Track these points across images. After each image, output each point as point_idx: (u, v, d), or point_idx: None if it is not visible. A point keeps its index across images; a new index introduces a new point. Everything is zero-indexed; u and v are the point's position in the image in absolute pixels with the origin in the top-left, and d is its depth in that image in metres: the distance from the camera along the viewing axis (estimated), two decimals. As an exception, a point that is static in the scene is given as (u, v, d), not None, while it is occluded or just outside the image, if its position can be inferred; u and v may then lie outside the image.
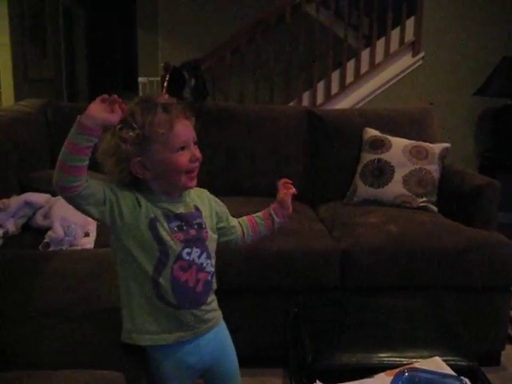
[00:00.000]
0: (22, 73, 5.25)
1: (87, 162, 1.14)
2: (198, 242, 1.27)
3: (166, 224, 1.24)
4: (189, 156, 1.23)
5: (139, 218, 1.22)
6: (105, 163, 1.25)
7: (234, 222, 1.43)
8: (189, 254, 1.25)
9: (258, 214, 1.46)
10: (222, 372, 1.39)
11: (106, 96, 1.13)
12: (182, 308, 1.26)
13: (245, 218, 1.45)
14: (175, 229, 1.24)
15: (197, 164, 1.26)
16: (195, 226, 1.28)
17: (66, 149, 1.12)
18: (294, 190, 1.44)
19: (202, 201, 1.35)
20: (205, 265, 1.28)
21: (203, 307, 1.30)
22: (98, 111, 1.12)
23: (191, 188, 1.29)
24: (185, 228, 1.26)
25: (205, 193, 1.38)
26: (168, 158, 1.21)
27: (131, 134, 1.18)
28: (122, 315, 1.31)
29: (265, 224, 1.44)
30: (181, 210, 1.27)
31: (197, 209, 1.31)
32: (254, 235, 1.44)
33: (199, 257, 1.27)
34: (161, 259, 1.23)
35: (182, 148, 1.22)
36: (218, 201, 1.41)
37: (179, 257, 1.24)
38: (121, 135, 1.19)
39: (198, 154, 1.25)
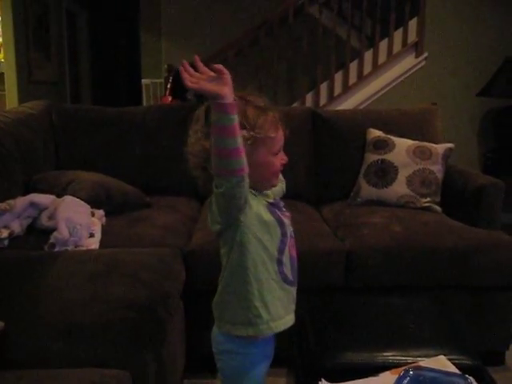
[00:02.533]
0: (26, 75, 5.27)
1: (240, 145, 1.12)
2: (290, 221, 1.35)
3: (273, 208, 1.30)
4: (280, 159, 1.30)
5: (259, 204, 1.27)
6: (208, 161, 1.21)
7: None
8: (292, 232, 1.34)
9: None
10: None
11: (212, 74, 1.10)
12: (293, 284, 1.35)
13: None
14: (278, 212, 1.32)
15: (282, 167, 1.33)
16: (284, 209, 1.35)
17: (219, 137, 1.11)
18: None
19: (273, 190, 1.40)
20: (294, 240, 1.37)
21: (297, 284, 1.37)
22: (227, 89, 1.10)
23: (275, 185, 1.36)
24: (282, 211, 1.33)
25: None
26: (268, 160, 1.27)
27: (245, 134, 1.20)
28: (247, 311, 1.28)
29: None
30: (269, 199, 1.33)
31: (276, 196, 1.38)
32: None
33: (292, 233, 1.35)
34: (282, 239, 1.29)
35: (278, 152, 1.29)
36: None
37: (291, 235, 1.33)
38: None
39: (285, 158, 1.32)
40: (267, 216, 1.27)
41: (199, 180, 1.28)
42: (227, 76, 1.10)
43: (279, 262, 1.29)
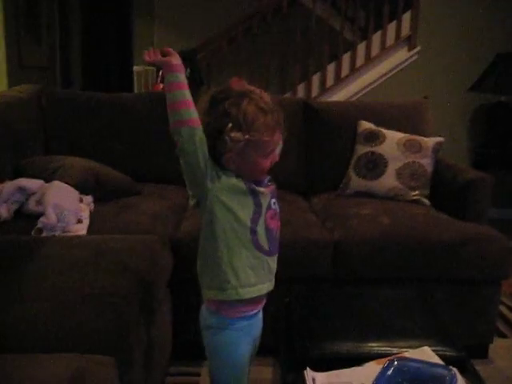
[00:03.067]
0: (16, 60, 5.20)
1: (189, 98, 1.24)
2: (274, 193, 1.38)
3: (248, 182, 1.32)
4: (271, 159, 1.32)
5: (230, 177, 1.29)
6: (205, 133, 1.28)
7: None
8: (274, 203, 1.37)
9: None
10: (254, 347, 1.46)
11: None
12: (271, 254, 1.36)
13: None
14: (258, 184, 1.33)
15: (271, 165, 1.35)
16: (268, 183, 1.38)
17: (169, 93, 1.24)
18: None
19: None
20: (278, 214, 1.39)
21: (277, 255, 1.39)
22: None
23: (262, 180, 1.37)
24: (263, 184, 1.35)
25: None
26: (257, 161, 1.30)
27: (240, 136, 1.24)
28: (218, 275, 1.32)
29: None
30: None
31: None
32: None
33: (276, 205, 1.38)
34: (256, 209, 1.31)
35: (269, 154, 1.31)
36: None
37: (269, 206, 1.34)
38: (230, 135, 1.24)
39: (277, 158, 1.34)
40: (238, 185, 1.29)
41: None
42: (175, 54, 1.27)
43: (253, 231, 1.30)
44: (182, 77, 1.24)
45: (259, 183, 1.35)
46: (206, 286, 1.36)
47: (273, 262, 1.37)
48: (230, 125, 1.23)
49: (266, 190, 1.34)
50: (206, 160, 1.24)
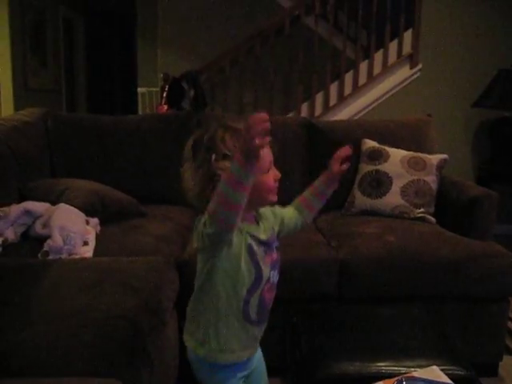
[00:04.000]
0: (22, 82, 5.28)
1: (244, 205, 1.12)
2: (276, 264, 1.34)
3: (258, 249, 1.28)
4: (273, 176, 1.29)
5: (241, 244, 1.25)
6: (201, 193, 1.23)
7: (289, 213, 1.45)
8: (273, 276, 1.32)
9: (309, 194, 1.48)
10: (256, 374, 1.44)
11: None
12: (258, 324, 1.32)
13: (300, 202, 1.47)
14: (263, 254, 1.29)
15: (277, 183, 1.31)
16: (274, 250, 1.34)
17: (231, 188, 1.08)
18: (348, 164, 1.47)
19: (267, 218, 1.37)
20: (276, 284, 1.35)
21: (266, 323, 1.36)
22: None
23: (275, 202, 1.33)
24: (268, 252, 1.31)
25: (268, 214, 1.39)
26: (260, 180, 1.23)
27: (227, 164, 1.17)
28: (201, 333, 1.30)
29: (319, 200, 1.48)
30: (262, 236, 1.30)
31: (272, 230, 1.36)
32: (312, 213, 1.49)
33: (276, 278, 1.34)
34: (255, 283, 1.27)
35: (268, 169, 1.27)
36: (275, 210, 1.42)
37: (268, 279, 1.30)
38: (218, 165, 1.19)
39: (278, 174, 1.31)
40: (244, 257, 1.25)
41: (199, 209, 1.26)
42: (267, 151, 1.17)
43: (245, 302, 1.27)
44: (252, 180, 1.09)
45: (270, 247, 1.31)
46: (189, 332, 1.34)
47: (259, 331, 1.35)
48: (214, 156, 1.20)
49: (271, 262, 1.30)
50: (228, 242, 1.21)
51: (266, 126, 1.02)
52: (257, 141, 1.01)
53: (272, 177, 1.28)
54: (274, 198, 1.31)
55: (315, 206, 1.48)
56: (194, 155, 1.24)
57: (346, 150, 1.46)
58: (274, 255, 1.33)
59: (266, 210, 1.38)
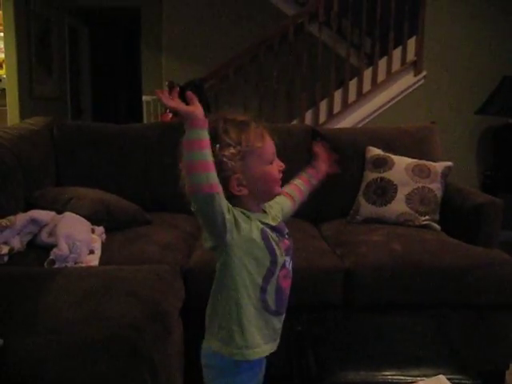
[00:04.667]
0: (28, 91, 5.31)
1: (209, 159, 1.14)
2: (289, 250, 1.35)
3: (271, 233, 1.29)
4: (277, 167, 1.31)
5: (252, 228, 1.25)
6: None
7: (286, 202, 1.49)
8: (288, 262, 1.33)
9: (300, 181, 1.56)
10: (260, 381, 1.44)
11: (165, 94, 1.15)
12: (278, 314, 1.33)
13: (292, 188, 1.53)
14: (277, 239, 1.30)
15: (281, 174, 1.33)
16: (286, 236, 1.35)
17: (188, 151, 1.13)
18: (336, 168, 1.60)
19: (272, 207, 1.40)
20: (291, 272, 1.36)
21: (284, 315, 1.36)
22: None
23: (280, 193, 1.37)
24: (281, 238, 1.32)
25: (274, 205, 1.42)
26: (264, 170, 1.27)
27: (232, 150, 1.22)
28: (225, 331, 1.29)
29: (308, 188, 1.57)
30: (272, 223, 1.32)
31: (279, 218, 1.38)
32: (301, 199, 1.55)
33: (289, 265, 1.35)
34: (270, 268, 1.28)
35: (272, 160, 1.29)
36: (276, 200, 1.44)
37: (283, 266, 1.31)
38: (224, 154, 1.21)
39: (282, 164, 1.32)
40: (258, 242, 1.26)
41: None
42: (198, 104, 1.16)
43: (263, 290, 1.28)
44: (204, 133, 1.13)
45: (281, 233, 1.33)
46: (211, 334, 1.33)
47: (278, 322, 1.34)
48: (218, 145, 1.21)
49: (285, 248, 1.32)
50: (225, 217, 1.18)
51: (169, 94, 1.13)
52: (170, 103, 1.13)
53: (276, 168, 1.30)
54: (279, 189, 1.34)
55: (304, 194, 1.56)
56: None
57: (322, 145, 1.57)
58: (287, 241, 1.34)
59: (269, 203, 1.40)
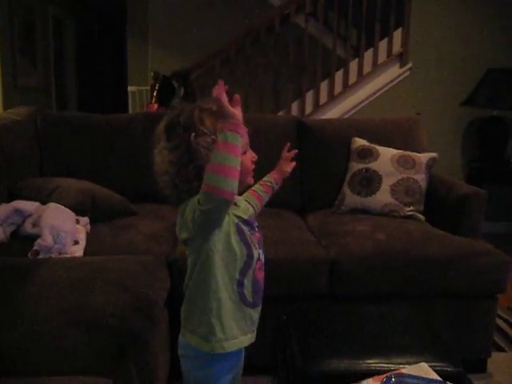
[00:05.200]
0: (12, 81, 5.24)
1: (239, 168, 1.16)
2: (261, 243, 1.37)
3: (245, 228, 1.31)
4: (250, 157, 1.33)
5: (229, 223, 1.27)
6: (177, 174, 1.26)
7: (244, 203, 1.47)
8: (260, 254, 1.35)
9: (260, 187, 1.55)
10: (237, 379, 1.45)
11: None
12: (254, 306, 1.34)
13: (250, 194, 1.52)
14: (249, 232, 1.32)
15: (254, 165, 1.36)
16: (256, 229, 1.37)
17: (225, 153, 1.14)
18: (294, 163, 1.58)
19: (240, 200, 1.41)
20: (263, 264, 1.37)
21: (260, 306, 1.38)
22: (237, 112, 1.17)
23: (252, 184, 1.40)
24: (252, 232, 1.34)
25: (241, 199, 1.44)
26: None
27: (208, 139, 1.23)
28: (204, 326, 1.30)
29: (267, 194, 1.56)
30: (244, 215, 1.33)
31: (251, 213, 1.40)
32: (260, 206, 1.54)
33: (262, 257, 1.37)
34: (247, 261, 1.30)
35: (245, 151, 1.30)
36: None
37: (258, 258, 1.33)
38: (199, 142, 1.22)
39: (255, 155, 1.35)
40: (235, 237, 1.28)
41: (171, 198, 1.29)
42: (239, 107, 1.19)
43: (240, 284, 1.30)
44: (241, 140, 1.16)
45: (252, 226, 1.34)
46: (189, 330, 1.34)
47: (255, 313, 1.36)
48: (193, 134, 1.22)
49: (257, 241, 1.34)
50: (223, 221, 1.23)
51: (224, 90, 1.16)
52: (226, 102, 1.15)
53: (249, 158, 1.33)
54: (251, 180, 1.37)
55: (264, 200, 1.55)
56: (169, 137, 1.26)
57: (292, 152, 1.57)
58: (257, 234, 1.35)
59: (237, 197, 1.40)
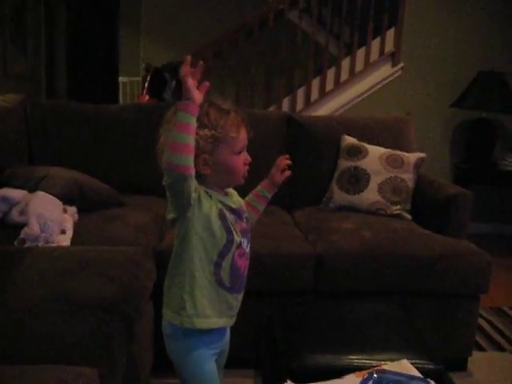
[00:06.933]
0: (1, 69, 5.19)
1: (194, 144, 1.22)
2: (246, 233, 1.42)
3: (229, 215, 1.36)
4: (243, 159, 1.37)
5: (211, 207, 1.33)
6: None
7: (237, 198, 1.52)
8: (243, 243, 1.39)
9: (252, 197, 1.57)
10: (222, 359, 1.51)
11: (191, 70, 1.21)
12: (232, 291, 1.38)
13: (245, 205, 1.53)
14: (234, 220, 1.37)
15: (247, 167, 1.39)
16: (244, 220, 1.42)
17: (178, 131, 1.20)
18: (289, 172, 1.57)
19: (233, 194, 1.46)
20: (248, 254, 1.43)
21: (241, 294, 1.43)
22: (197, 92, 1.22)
23: (241, 184, 1.42)
24: (238, 221, 1.39)
25: (235, 193, 1.48)
26: (230, 159, 1.34)
27: (207, 132, 1.29)
28: (177, 300, 1.36)
29: (260, 204, 1.57)
30: (232, 204, 1.39)
31: (241, 204, 1.45)
32: (256, 216, 1.57)
33: (247, 247, 1.42)
34: (226, 246, 1.35)
35: (240, 152, 1.36)
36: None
37: (239, 245, 1.38)
38: (198, 133, 1.27)
39: (249, 158, 1.39)
40: (215, 220, 1.33)
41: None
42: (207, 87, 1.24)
43: (217, 265, 1.35)
44: (194, 120, 1.22)
45: (239, 216, 1.40)
46: (165, 304, 1.40)
47: (234, 300, 1.40)
48: (198, 123, 1.26)
49: (242, 230, 1.39)
50: (191, 196, 1.27)
51: (197, 70, 1.21)
52: (189, 81, 1.19)
53: (242, 160, 1.37)
54: (241, 180, 1.40)
55: (259, 209, 1.57)
56: None
57: (285, 160, 1.57)
58: (244, 224, 1.41)
59: (231, 190, 1.46)
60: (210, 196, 1.34)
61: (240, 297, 1.42)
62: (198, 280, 1.33)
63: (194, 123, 1.21)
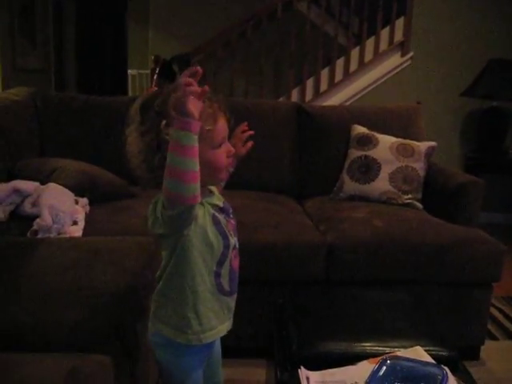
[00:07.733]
0: (11, 62, 5.22)
1: (198, 169, 1.04)
2: (235, 230, 1.31)
3: (220, 217, 1.25)
4: (225, 151, 1.22)
5: (205, 215, 1.21)
6: (146, 161, 1.17)
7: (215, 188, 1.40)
8: (236, 242, 1.30)
9: None
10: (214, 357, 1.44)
11: (196, 89, 1.02)
12: (231, 294, 1.31)
13: None
14: (225, 221, 1.27)
15: (231, 159, 1.27)
16: (231, 216, 1.31)
17: (180, 156, 1.02)
18: (251, 143, 1.40)
19: (218, 194, 1.35)
20: (238, 250, 1.33)
21: (236, 293, 1.34)
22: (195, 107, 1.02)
23: (225, 179, 1.33)
24: (227, 219, 1.28)
25: (214, 187, 1.36)
26: (210, 155, 1.17)
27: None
28: (180, 318, 1.25)
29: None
30: (219, 203, 1.28)
31: (224, 199, 1.33)
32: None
33: (237, 243, 1.31)
34: (223, 253, 1.25)
35: (221, 144, 1.20)
36: None
37: (234, 246, 1.28)
38: (168, 132, 1.07)
39: (232, 148, 1.24)
40: (211, 230, 1.21)
41: (142, 180, 1.22)
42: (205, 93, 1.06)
43: (217, 275, 1.25)
44: (196, 139, 1.03)
45: (227, 213, 1.29)
46: (161, 321, 1.28)
47: (232, 301, 1.32)
48: (164, 122, 1.10)
49: (232, 228, 1.28)
50: (193, 219, 1.14)
51: (195, 87, 1.00)
52: (187, 98, 0.99)
53: (224, 152, 1.21)
54: (224, 175, 1.29)
55: (221, 185, 1.43)
56: (142, 119, 1.16)
57: (245, 128, 1.38)
58: (232, 221, 1.30)
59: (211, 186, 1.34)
60: (202, 204, 1.20)
61: (235, 296, 1.34)
62: (200, 295, 1.23)
63: (196, 144, 1.02)
